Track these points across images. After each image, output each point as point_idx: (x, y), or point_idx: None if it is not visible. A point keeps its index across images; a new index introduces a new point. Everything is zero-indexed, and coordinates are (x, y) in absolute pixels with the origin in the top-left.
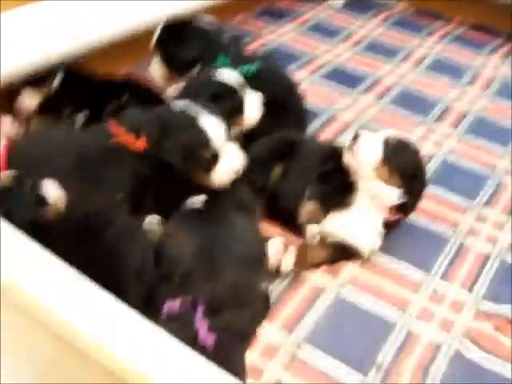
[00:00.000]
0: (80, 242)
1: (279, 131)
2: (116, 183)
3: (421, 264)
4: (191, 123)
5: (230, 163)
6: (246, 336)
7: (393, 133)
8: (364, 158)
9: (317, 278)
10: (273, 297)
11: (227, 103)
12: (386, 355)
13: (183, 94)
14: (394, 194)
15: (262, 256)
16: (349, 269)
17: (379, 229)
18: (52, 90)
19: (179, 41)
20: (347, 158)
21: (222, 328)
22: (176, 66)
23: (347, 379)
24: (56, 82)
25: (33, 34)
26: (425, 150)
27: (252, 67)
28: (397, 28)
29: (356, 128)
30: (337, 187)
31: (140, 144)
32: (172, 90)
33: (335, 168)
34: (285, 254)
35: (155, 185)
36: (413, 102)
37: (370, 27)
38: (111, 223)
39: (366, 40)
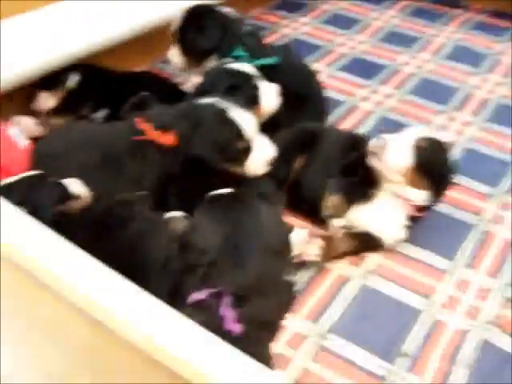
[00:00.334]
0: (104, 235)
1: (300, 122)
2: (141, 179)
3: (445, 252)
4: (222, 117)
5: (261, 154)
6: (272, 325)
7: (421, 132)
8: (393, 166)
9: (341, 267)
10: (298, 287)
11: (244, 94)
12: (412, 344)
13: (200, 88)
14: (421, 197)
15: (286, 245)
16: (373, 258)
17: (403, 221)
18: (66, 91)
19: (198, 28)
20: (373, 162)
21: (249, 318)
22: (194, 54)
23: (374, 368)
24: (71, 82)
25: (48, 33)
26: (446, 138)
27: (271, 59)
28: (414, 17)
29: (376, 119)
30: (360, 180)
31: (168, 140)
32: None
33: (357, 159)
34: (310, 244)
35: (180, 181)
36: (432, 91)
37: (387, 17)
38: (135, 216)
39: (384, 30)
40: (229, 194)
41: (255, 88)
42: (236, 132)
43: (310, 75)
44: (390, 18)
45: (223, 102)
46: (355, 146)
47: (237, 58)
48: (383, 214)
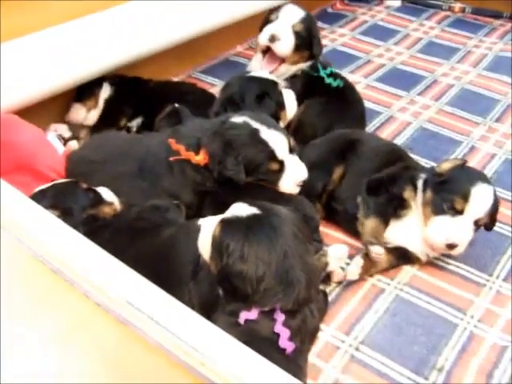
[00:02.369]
0: (136, 239)
1: (340, 127)
2: (177, 192)
3: (483, 265)
4: (254, 137)
5: (294, 175)
6: (316, 331)
7: (479, 207)
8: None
9: (376, 278)
10: (331, 298)
11: (272, 100)
12: (447, 358)
13: (229, 98)
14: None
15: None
16: (408, 269)
17: None
18: (100, 102)
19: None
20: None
21: (298, 331)
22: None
23: (406, 382)
24: (104, 93)
25: (88, 43)
26: (485, 149)
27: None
28: (454, 28)
29: (413, 129)
30: (392, 198)
31: (200, 160)
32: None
33: (394, 175)
34: (351, 265)
35: (214, 195)
36: (471, 103)
37: (426, 28)
38: (168, 222)
39: (423, 41)
40: (260, 217)
41: (281, 94)
42: (268, 153)
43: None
44: (429, 29)
45: (255, 120)
46: (394, 159)
47: None
48: (417, 229)
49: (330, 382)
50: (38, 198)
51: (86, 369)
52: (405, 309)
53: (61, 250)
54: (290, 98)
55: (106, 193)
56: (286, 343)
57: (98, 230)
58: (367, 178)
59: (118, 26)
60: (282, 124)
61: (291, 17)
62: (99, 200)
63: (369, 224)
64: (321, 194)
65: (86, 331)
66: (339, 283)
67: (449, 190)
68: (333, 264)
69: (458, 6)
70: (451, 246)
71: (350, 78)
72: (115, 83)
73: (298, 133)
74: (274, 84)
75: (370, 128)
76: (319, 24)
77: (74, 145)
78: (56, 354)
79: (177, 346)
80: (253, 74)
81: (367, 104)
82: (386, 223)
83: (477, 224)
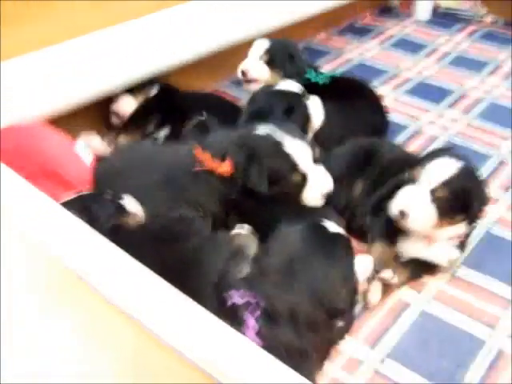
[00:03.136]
0: (160, 249)
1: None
2: (202, 202)
3: (510, 279)
4: (277, 149)
5: (318, 187)
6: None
7: (436, 176)
8: (419, 228)
9: (402, 292)
10: (357, 310)
11: (299, 113)
12: (474, 374)
13: (256, 111)
14: (459, 230)
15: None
16: (435, 283)
17: (451, 242)
18: (146, 99)
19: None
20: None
21: (270, 338)
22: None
23: None
24: (153, 91)
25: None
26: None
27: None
28: (484, 41)
29: (441, 143)
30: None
31: (226, 170)
32: None
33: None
34: (370, 292)
35: (239, 206)
36: (501, 116)
37: (456, 41)
38: (194, 233)
39: (452, 54)
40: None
41: (306, 106)
42: (291, 165)
43: (368, 89)
44: (457, 43)
45: (279, 131)
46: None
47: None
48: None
49: None
50: (64, 207)
51: (103, 367)
52: (431, 323)
53: (84, 254)
54: (316, 107)
55: (130, 203)
56: (252, 335)
57: (123, 239)
58: (373, 197)
59: (146, 37)
60: (310, 135)
61: (258, 49)
62: (123, 211)
63: (375, 251)
64: (344, 209)
65: (103, 332)
66: (364, 296)
67: (416, 165)
68: (358, 275)
69: (489, 19)
70: (402, 215)
71: (378, 91)
72: (160, 88)
73: (316, 140)
74: (300, 96)
75: (398, 141)
76: (348, 37)
77: (100, 145)
78: (68, 352)
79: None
80: (278, 87)
81: (395, 117)
82: (393, 243)
83: (434, 195)
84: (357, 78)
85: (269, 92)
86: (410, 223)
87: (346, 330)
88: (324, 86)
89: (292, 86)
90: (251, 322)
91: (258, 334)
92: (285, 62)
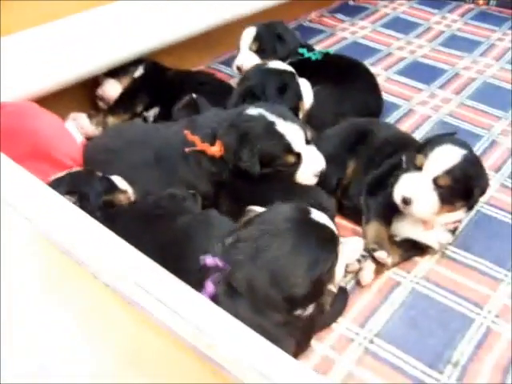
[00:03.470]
0: (152, 226)
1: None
2: (193, 183)
3: (500, 260)
4: (270, 129)
5: (311, 166)
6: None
7: (439, 165)
8: (421, 214)
9: (392, 271)
10: (348, 288)
11: (292, 92)
12: (463, 353)
13: (249, 90)
14: (456, 217)
15: None
16: (425, 263)
17: (446, 227)
18: (133, 80)
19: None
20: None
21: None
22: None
23: (421, 376)
24: (138, 72)
25: (112, 31)
26: (506, 144)
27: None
28: (477, 21)
29: (433, 123)
30: (390, 194)
31: (216, 151)
32: None
33: (388, 170)
34: (363, 270)
35: (230, 186)
36: (493, 97)
37: (449, 21)
38: (184, 211)
39: (445, 34)
40: None
41: (298, 85)
42: (284, 146)
43: (363, 69)
44: (451, 22)
45: (270, 112)
46: (401, 150)
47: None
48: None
49: (342, 374)
50: (54, 185)
51: (98, 351)
52: (421, 302)
53: (73, 235)
54: (306, 88)
55: (119, 181)
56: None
57: (115, 215)
58: (369, 177)
59: (138, 15)
60: (300, 115)
61: (246, 40)
62: (113, 187)
63: (370, 230)
64: (335, 188)
65: (99, 315)
66: (355, 275)
67: (417, 151)
68: (348, 256)
69: None
70: (406, 202)
71: (371, 70)
72: (147, 67)
73: (309, 120)
74: (293, 75)
75: (389, 121)
76: (340, 16)
77: (88, 126)
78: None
79: (185, 328)
80: (270, 65)
81: (387, 97)
82: (388, 224)
83: (436, 183)
84: (351, 57)
85: (262, 70)
86: (413, 210)
87: (331, 319)
88: (318, 66)
89: (284, 65)
90: (210, 286)
91: (213, 299)
92: (274, 45)
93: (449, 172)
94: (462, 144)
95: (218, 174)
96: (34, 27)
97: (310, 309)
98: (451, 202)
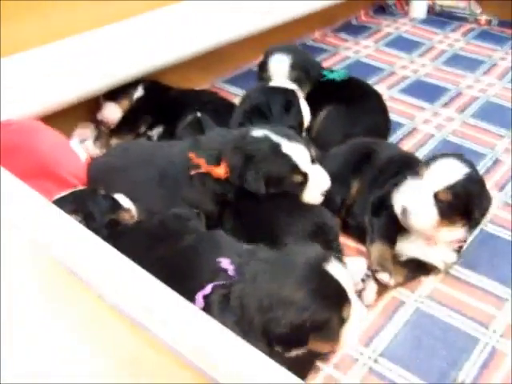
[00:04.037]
0: (157, 246)
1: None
2: (197, 202)
3: (504, 279)
4: (275, 151)
5: (317, 185)
6: None
7: (441, 179)
8: (419, 226)
9: (396, 291)
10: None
11: (296, 109)
12: (468, 373)
13: (254, 112)
14: (458, 235)
15: None
16: (429, 282)
17: (450, 246)
18: (133, 102)
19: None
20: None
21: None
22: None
23: None
24: (137, 94)
25: (116, 49)
26: (509, 163)
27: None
28: (479, 40)
29: (436, 142)
30: (394, 214)
31: (221, 173)
32: None
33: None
34: (365, 291)
35: (235, 206)
36: (496, 115)
37: (452, 40)
38: (189, 230)
39: (448, 53)
40: None
41: (299, 103)
42: (291, 166)
43: (373, 91)
44: (453, 42)
45: (275, 133)
46: (407, 167)
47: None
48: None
49: None
50: (58, 204)
51: (97, 368)
52: (425, 322)
53: (79, 253)
54: (305, 106)
55: (122, 199)
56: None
57: (120, 234)
58: (373, 197)
59: (142, 34)
60: (303, 134)
61: (282, 69)
62: (117, 206)
63: (374, 250)
64: (339, 207)
65: (99, 331)
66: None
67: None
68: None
69: (484, 18)
70: (405, 212)
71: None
72: (147, 88)
73: (319, 140)
74: (295, 93)
75: (393, 139)
76: (344, 35)
77: (92, 148)
78: (68, 352)
79: (190, 349)
80: (272, 84)
81: (390, 116)
82: (392, 244)
83: (437, 198)
84: (360, 79)
85: (266, 88)
86: (411, 220)
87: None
88: (328, 87)
89: (286, 83)
90: (208, 289)
91: (205, 302)
92: (308, 72)
93: (450, 188)
94: (467, 162)
95: (223, 194)
96: (36, 47)
97: (294, 353)
98: (450, 218)
